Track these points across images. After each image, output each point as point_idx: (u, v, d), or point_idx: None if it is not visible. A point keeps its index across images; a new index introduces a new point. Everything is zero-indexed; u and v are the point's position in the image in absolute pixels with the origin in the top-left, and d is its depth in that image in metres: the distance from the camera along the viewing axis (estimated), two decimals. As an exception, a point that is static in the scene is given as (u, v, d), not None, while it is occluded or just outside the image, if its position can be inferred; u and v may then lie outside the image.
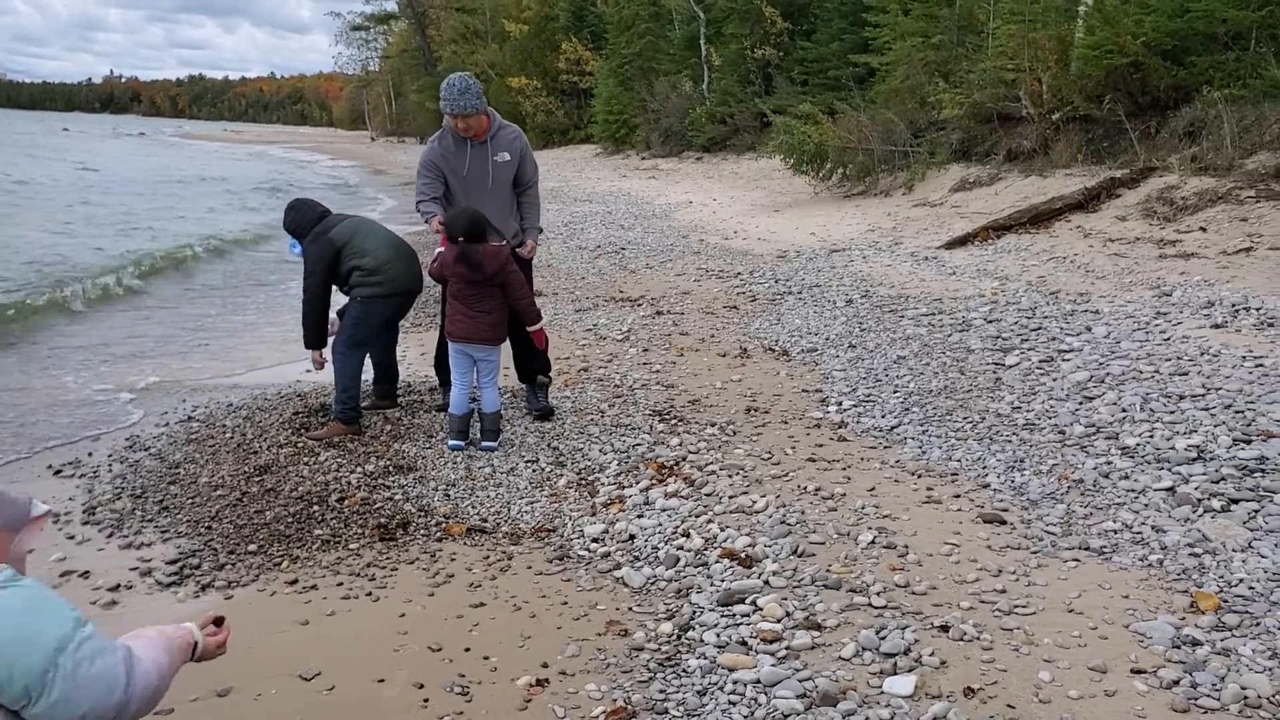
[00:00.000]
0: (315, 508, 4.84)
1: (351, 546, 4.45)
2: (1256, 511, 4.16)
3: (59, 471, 5.57)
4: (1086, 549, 4.05)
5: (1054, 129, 14.67)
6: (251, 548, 4.44)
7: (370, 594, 4.01)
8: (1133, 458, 4.90)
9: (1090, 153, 13.90)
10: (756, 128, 28.66)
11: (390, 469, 5.38)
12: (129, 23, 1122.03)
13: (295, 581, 4.13)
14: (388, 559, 4.32)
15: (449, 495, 5.03)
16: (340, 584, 4.10)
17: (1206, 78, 12.27)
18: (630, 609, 3.81)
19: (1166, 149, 12.28)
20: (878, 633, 3.43)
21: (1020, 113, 15.37)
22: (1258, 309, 7.09)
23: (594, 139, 42.64)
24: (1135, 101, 13.43)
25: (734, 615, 3.64)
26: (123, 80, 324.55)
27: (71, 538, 4.64)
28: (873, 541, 4.19)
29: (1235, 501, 4.26)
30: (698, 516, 4.55)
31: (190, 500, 5.02)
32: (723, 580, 3.92)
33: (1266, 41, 12.03)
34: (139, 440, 6.03)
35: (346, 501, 4.90)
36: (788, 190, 20.54)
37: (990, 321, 7.99)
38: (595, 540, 4.44)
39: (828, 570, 3.93)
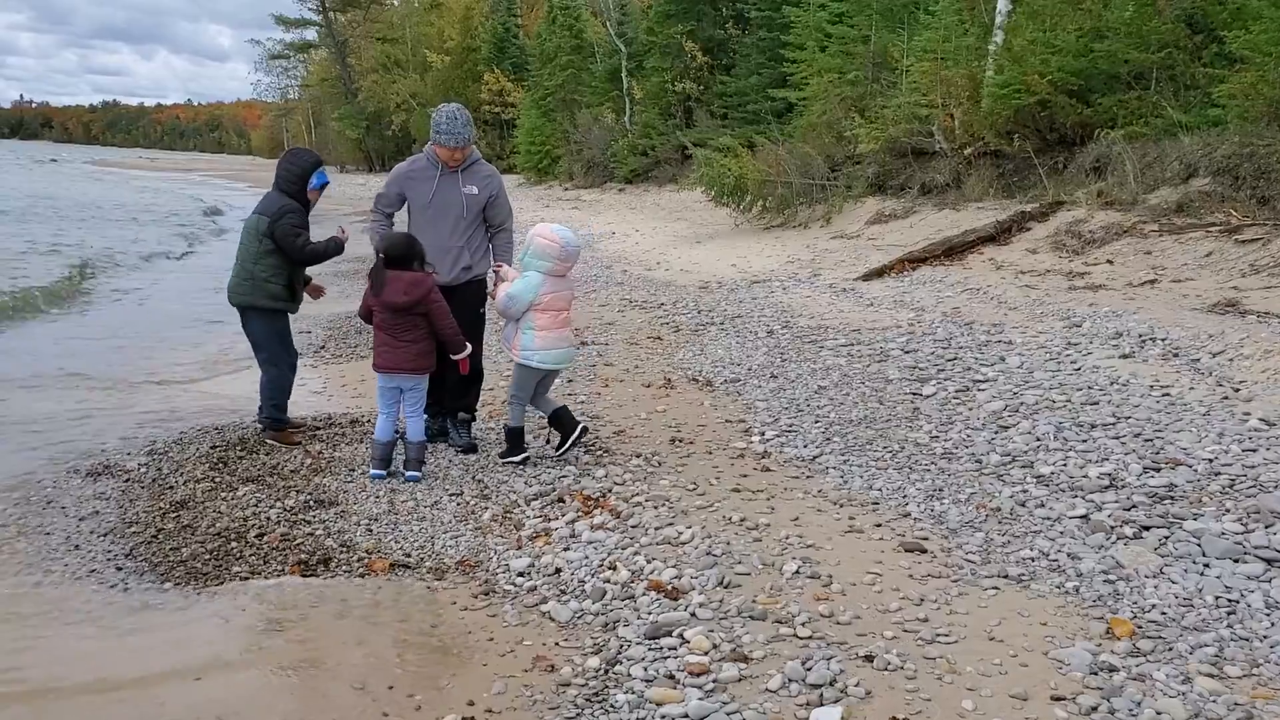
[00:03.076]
0: (234, 544, 4.72)
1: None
2: (1167, 538, 4.29)
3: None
4: (1005, 577, 4.13)
5: (966, 163, 15.07)
6: (167, 586, 4.32)
7: (290, 633, 3.92)
8: (1048, 486, 5.02)
9: (1001, 187, 14.30)
10: (678, 160, 28.95)
11: (311, 503, 5.27)
12: (41, 48, 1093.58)
13: (212, 621, 4.02)
14: (308, 597, 4.23)
15: (371, 530, 4.94)
16: (259, 623, 4.01)
17: (1110, 116, 12.74)
18: (557, 644, 3.78)
19: (1074, 184, 12.69)
20: (804, 664, 3.45)
21: (934, 147, 15.77)
22: (1163, 339, 7.33)
23: (517, 169, 42.66)
24: (1043, 138, 13.89)
25: (661, 648, 3.63)
26: (34, 105, 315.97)
27: (-26, 579, 4.46)
28: (797, 572, 4.22)
29: (1147, 528, 4.39)
30: (624, 549, 4.54)
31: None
32: (650, 613, 3.91)
33: (1166, 82, 12.53)
34: (46, 477, 5.83)
35: (266, 538, 4.79)
36: (709, 222, 20.72)
37: (907, 352, 8.14)
38: (521, 574, 4.40)
39: (754, 601, 3.95)
